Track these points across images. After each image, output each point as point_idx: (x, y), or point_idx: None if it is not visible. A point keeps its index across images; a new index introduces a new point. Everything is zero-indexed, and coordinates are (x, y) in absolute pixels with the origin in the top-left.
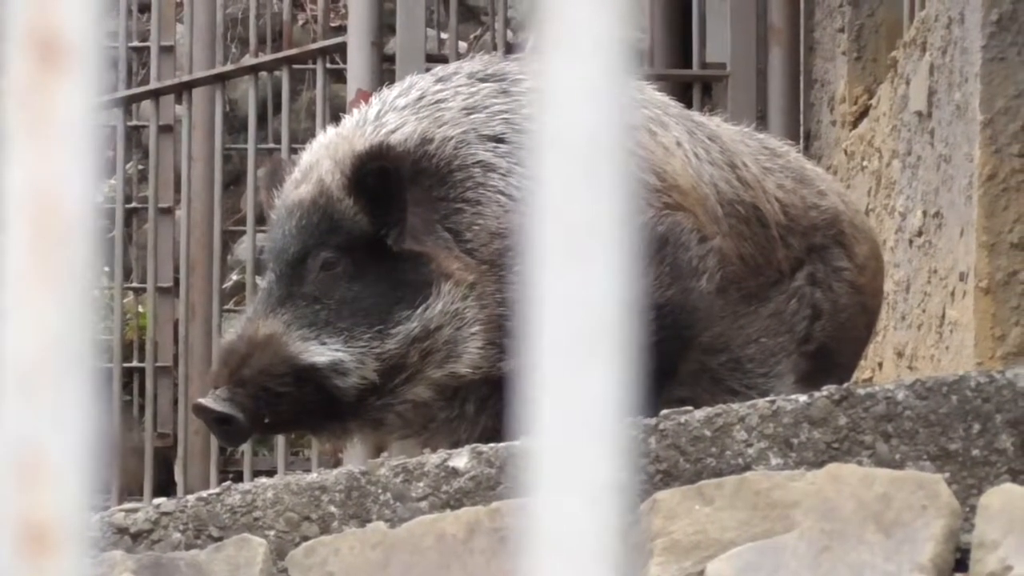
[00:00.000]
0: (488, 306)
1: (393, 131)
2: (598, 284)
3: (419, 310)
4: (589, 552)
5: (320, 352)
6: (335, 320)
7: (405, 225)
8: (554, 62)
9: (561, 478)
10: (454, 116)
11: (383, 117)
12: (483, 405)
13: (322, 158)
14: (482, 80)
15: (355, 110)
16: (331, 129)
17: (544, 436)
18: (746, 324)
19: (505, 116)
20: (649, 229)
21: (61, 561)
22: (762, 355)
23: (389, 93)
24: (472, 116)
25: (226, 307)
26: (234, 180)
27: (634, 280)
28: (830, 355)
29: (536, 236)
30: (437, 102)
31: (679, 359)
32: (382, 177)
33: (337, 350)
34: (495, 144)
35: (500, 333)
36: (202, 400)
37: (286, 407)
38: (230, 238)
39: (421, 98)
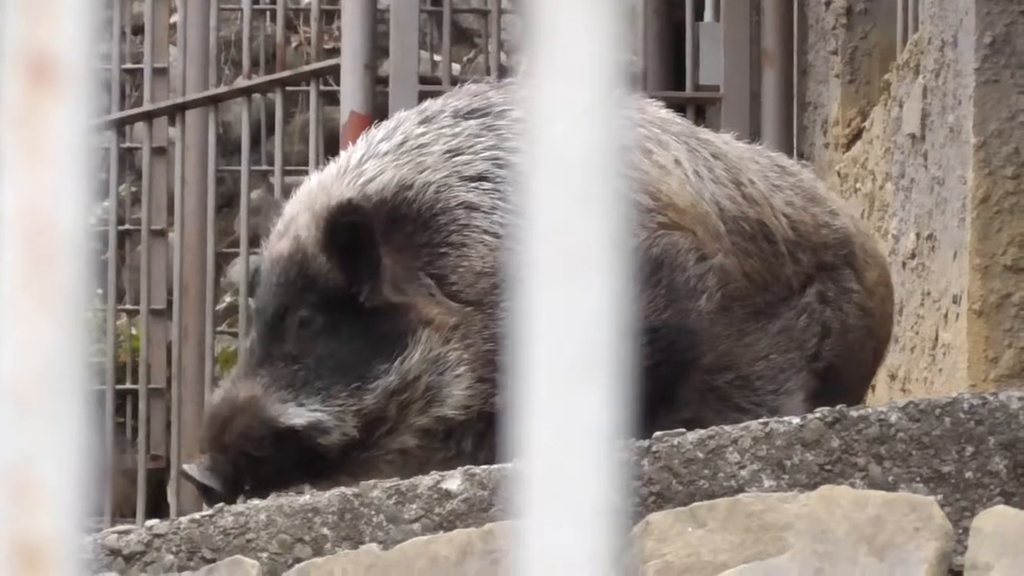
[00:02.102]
0: (474, 345)
1: (371, 180)
2: (591, 307)
3: (396, 362)
4: (580, 571)
5: (298, 414)
6: (313, 379)
7: (379, 280)
8: (547, 84)
9: (553, 501)
10: (436, 161)
11: (364, 164)
12: (481, 441)
13: (301, 211)
14: (466, 117)
15: (343, 151)
16: (315, 176)
17: (537, 459)
18: (753, 341)
19: (489, 153)
20: (643, 251)
21: None
22: (771, 372)
23: (375, 134)
24: (455, 159)
25: (219, 329)
26: (227, 202)
27: (628, 303)
28: (838, 376)
29: (529, 259)
30: (419, 147)
31: (678, 382)
32: (354, 233)
33: (316, 410)
34: (478, 183)
35: (490, 369)
36: (185, 467)
37: (268, 470)
38: (223, 260)
39: (403, 143)
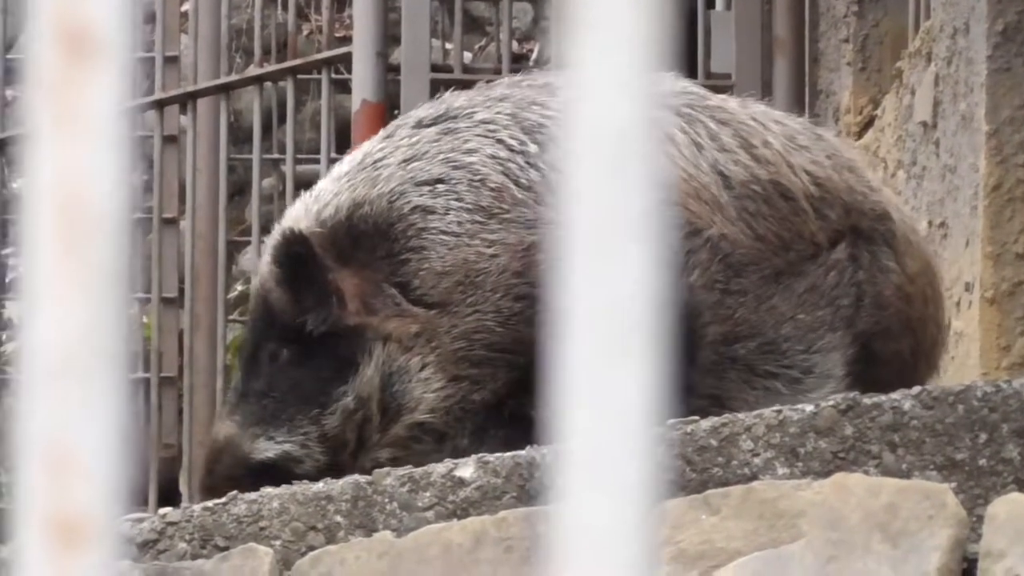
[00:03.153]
0: (441, 346)
1: (326, 204)
2: (628, 281)
3: (351, 382)
4: (620, 551)
5: (268, 448)
6: (280, 412)
7: (331, 306)
8: (584, 58)
9: (592, 478)
10: (391, 172)
11: (320, 191)
12: (479, 436)
13: (268, 247)
14: (427, 126)
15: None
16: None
17: (574, 435)
18: (778, 303)
19: (444, 156)
20: None
21: (90, 555)
22: (799, 332)
23: (341, 161)
24: (410, 166)
25: (230, 318)
26: (239, 191)
27: (664, 275)
28: (875, 359)
29: (565, 232)
30: (375, 162)
31: (682, 361)
32: (300, 262)
33: (283, 441)
34: (432, 187)
35: (465, 366)
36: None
37: None
38: (235, 248)
39: (362, 161)
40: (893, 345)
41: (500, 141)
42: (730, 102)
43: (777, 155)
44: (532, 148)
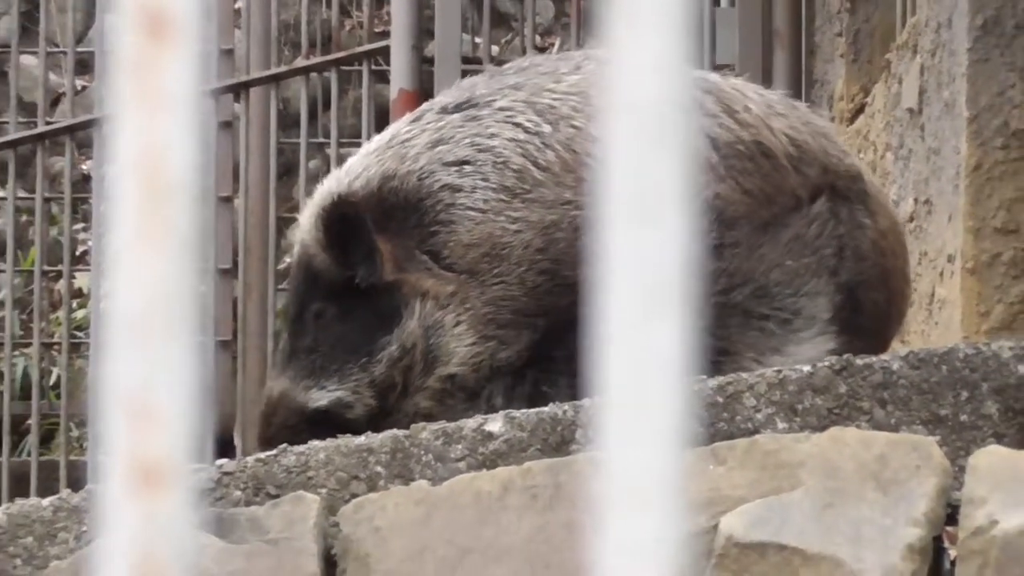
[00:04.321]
0: (473, 307)
1: (356, 176)
2: (665, 245)
3: (395, 333)
4: (657, 498)
5: (321, 396)
6: (329, 363)
7: (375, 262)
8: (624, 35)
9: (630, 426)
10: (419, 151)
11: (351, 165)
12: (511, 394)
13: (305, 218)
14: (451, 112)
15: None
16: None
17: (613, 388)
18: (766, 251)
19: (469, 140)
20: None
21: (169, 497)
22: (787, 276)
23: (369, 140)
24: (437, 148)
25: (280, 287)
26: (287, 172)
27: (697, 240)
28: (858, 308)
29: (606, 199)
30: (403, 141)
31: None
32: (345, 223)
33: (335, 389)
34: (459, 167)
35: (493, 327)
36: None
37: None
38: (284, 224)
39: (391, 139)
40: (873, 295)
41: (518, 125)
42: (711, 75)
43: (757, 119)
44: (546, 129)
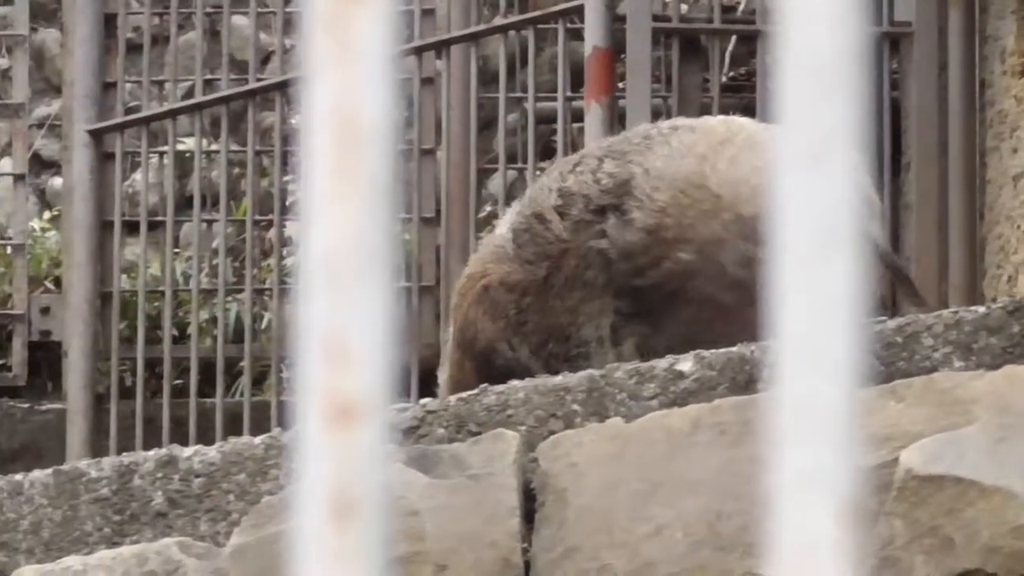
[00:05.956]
0: None
1: None
2: (835, 188)
3: None
4: (831, 431)
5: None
6: None
7: None
8: None
9: (807, 362)
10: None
11: None
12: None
13: None
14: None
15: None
16: None
17: (791, 323)
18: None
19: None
20: None
21: (364, 432)
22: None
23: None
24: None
25: (479, 234)
26: (487, 125)
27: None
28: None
29: (782, 148)
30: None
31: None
32: None
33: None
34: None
35: None
36: None
37: None
38: (484, 175)
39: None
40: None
41: None
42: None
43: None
44: None
